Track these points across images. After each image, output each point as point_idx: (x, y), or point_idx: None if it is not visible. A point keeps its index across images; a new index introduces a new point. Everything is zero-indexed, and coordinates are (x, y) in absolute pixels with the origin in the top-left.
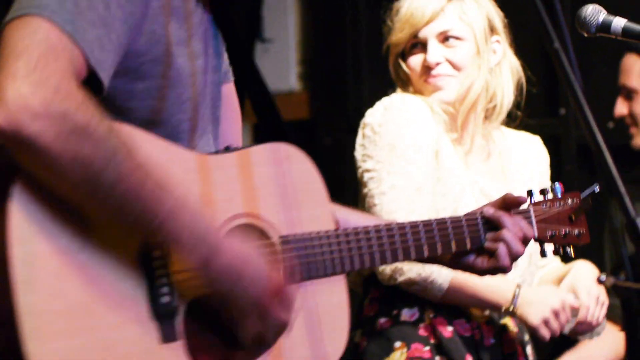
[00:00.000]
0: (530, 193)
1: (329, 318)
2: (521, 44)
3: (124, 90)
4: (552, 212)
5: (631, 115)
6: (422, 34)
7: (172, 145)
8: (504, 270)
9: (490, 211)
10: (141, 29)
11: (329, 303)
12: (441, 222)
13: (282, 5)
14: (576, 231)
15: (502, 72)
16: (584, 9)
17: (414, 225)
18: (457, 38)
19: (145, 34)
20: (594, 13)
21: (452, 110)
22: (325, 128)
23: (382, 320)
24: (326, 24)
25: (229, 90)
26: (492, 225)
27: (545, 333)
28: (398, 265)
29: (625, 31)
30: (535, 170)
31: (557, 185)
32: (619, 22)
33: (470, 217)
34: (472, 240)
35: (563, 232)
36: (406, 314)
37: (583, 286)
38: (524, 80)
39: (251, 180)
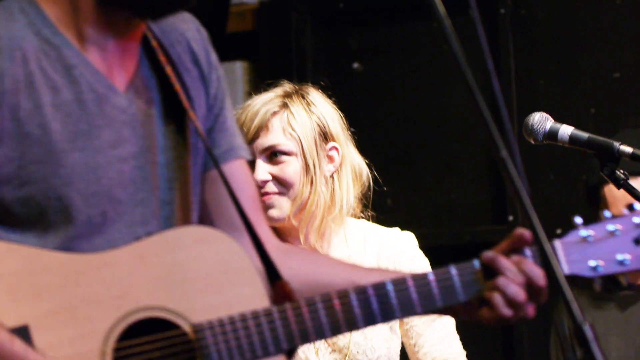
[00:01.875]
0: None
1: None
2: (468, 150)
3: (12, 198)
4: (599, 237)
5: None
6: (250, 151)
7: (44, 253)
8: (508, 320)
9: (488, 255)
10: (7, 133)
11: None
12: (420, 278)
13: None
14: None
15: (341, 178)
16: (531, 117)
17: (378, 286)
18: (284, 153)
19: (15, 137)
20: (541, 121)
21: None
22: None
23: None
24: None
25: (229, 171)
26: (493, 271)
27: None
28: None
29: (573, 139)
30: (394, 267)
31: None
32: (566, 130)
33: (465, 266)
34: (466, 291)
35: (619, 260)
36: None
37: None
38: (370, 176)
39: (153, 270)
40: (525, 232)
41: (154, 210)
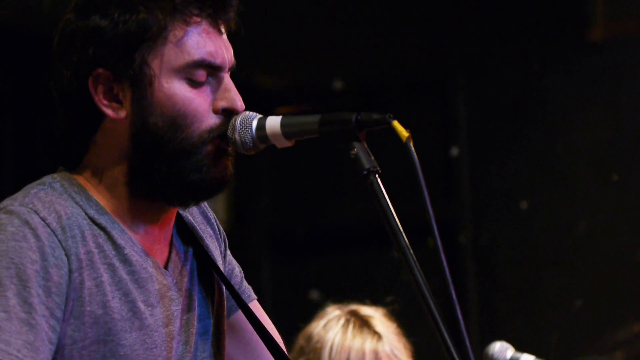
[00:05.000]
0: None
1: None
2: None
3: None
4: None
5: None
6: None
7: None
8: None
9: None
10: (72, 313)
11: None
12: None
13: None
14: None
15: None
16: (491, 347)
17: None
18: None
19: (79, 317)
20: (502, 351)
21: None
22: None
23: None
24: None
25: (236, 323)
26: None
27: None
28: None
29: None
30: None
31: None
32: (527, 359)
33: None
34: None
35: None
36: None
37: None
38: None
39: None
40: None
41: None
